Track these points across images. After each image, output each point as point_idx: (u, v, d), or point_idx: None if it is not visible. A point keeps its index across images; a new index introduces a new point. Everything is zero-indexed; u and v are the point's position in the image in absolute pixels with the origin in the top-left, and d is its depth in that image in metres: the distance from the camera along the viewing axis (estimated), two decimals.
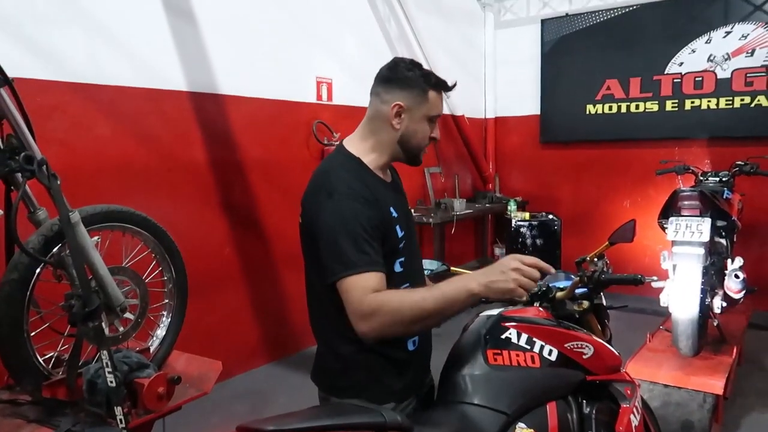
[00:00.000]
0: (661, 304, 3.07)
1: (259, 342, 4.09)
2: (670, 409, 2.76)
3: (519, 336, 1.68)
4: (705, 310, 3.00)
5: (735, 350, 3.17)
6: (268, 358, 4.16)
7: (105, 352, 1.62)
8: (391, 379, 1.55)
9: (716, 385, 2.80)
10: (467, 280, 1.41)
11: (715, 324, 3.17)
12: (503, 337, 1.67)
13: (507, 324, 1.70)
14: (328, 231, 1.42)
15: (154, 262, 2.05)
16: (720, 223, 3.28)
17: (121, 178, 3.13)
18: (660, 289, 3.05)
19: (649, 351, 3.25)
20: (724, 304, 3.08)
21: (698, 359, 3.07)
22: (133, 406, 1.73)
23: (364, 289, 1.35)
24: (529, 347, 1.67)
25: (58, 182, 1.66)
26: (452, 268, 2.02)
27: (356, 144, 1.59)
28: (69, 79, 2.90)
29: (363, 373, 1.53)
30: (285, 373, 3.99)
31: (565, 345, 1.75)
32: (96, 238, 1.79)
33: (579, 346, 1.79)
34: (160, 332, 2.03)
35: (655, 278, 1.85)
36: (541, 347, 1.69)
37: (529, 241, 5.27)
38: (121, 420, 1.60)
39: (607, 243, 1.94)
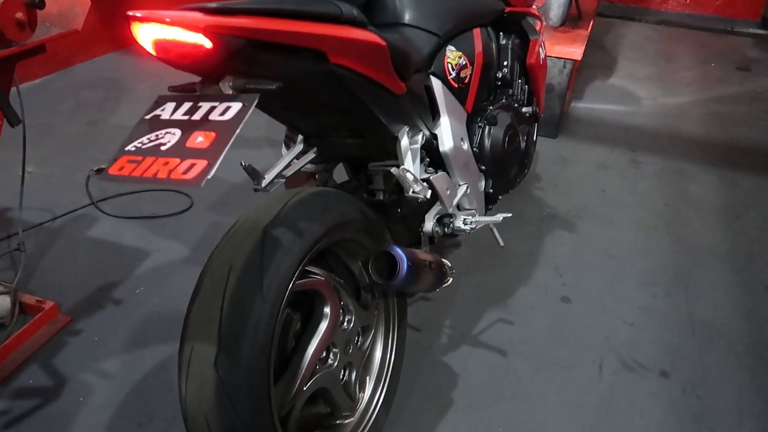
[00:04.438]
0: None
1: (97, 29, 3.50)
2: None
3: None
4: None
5: (590, 24, 3.39)
6: (114, 46, 3.65)
7: None
8: None
9: (576, 52, 3.03)
10: None
11: None
12: None
13: None
14: None
15: None
16: None
17: None
18: None
19: None
20: None
21: (560, 32, 3.25)
22: None
23: None
24: None
25: None
26: None
27: None
28: None
29: None
30: (136, 60, 3.54)
31: None
32: None
33: None
34: None
35: None
36: None
37: None
38: None
39: None
